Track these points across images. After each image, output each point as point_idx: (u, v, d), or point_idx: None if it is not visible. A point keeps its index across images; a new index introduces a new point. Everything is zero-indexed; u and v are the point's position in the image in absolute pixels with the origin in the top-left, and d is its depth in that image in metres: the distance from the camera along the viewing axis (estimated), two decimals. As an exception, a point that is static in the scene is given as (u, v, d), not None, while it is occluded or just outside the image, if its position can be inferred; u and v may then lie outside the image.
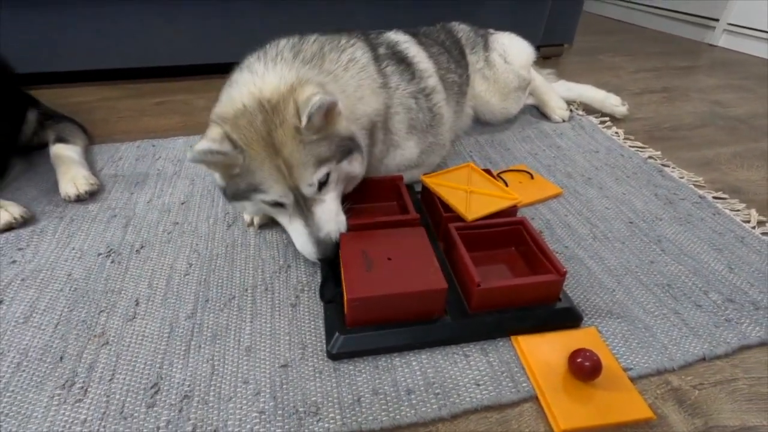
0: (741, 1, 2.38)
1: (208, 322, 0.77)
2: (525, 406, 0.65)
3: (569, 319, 0.76)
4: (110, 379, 0.67)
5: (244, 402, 0.64)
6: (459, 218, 0.86)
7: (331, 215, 0.81)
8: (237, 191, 0.80)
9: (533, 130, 1.47)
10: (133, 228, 0.99)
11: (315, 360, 0.70)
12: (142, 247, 0.94)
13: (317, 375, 0.68)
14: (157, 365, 0.69)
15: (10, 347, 0.72)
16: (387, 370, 0.69)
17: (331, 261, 0.81)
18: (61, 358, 0.70)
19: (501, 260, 0.84)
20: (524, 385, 0.67)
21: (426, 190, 0.99)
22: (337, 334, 0.71)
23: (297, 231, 0.81)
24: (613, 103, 1.57)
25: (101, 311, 0.79)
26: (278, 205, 0.80)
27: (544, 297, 0.75)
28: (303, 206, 0.79)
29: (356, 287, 0.70)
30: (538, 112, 1.60)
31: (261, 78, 0.80)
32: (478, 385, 0.67)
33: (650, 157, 1.31)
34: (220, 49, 1.77)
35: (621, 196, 1.13)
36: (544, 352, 0.70)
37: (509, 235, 0.85)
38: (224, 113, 0.78)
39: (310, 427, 0.61)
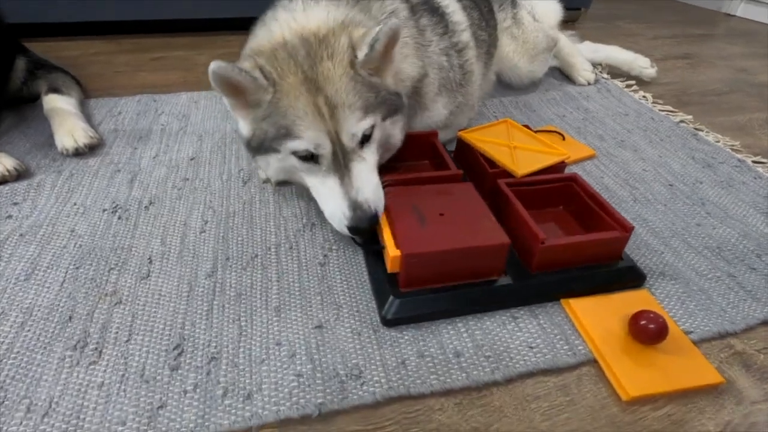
0: (764, -33, 2.29)
1: (230, 281, 0.70)
2: (583, 370, 0.60)
3: (632, 278, 0.70)
4: (127, 340, 0.61)
5: (279, 364, 0.58)
6: (505, 174, 0.80)
7: (371, 180, 0.70)
8: (264, 140, 0.71)
9: (558, 93, 1.39)
10: (139, 184, 0.91)
11: (351, 321, 0.64)
12: (150, 203, 0.86)
13: (355, 337, 0.62)
14: (178, 326, 0.63)
15: (12, 306, 0.65)
16: (431, 332, 0.63)
17: (367, 237, 0.71)
18: (70, 317, 0.63)
19: (550, 219, 0.78)
20: (581, 348, 0.62)
21: (463, 147, 0.92)
22: (391, 298, 0.64)
23: (329, 191, 0.70)
24: (641, 65, 1.49)
25: (111, 269, 0.71)
26: (310, 159, 0.69)
27: (607, 255, 0.70)
28: (341, 161, 0.68)
29: (412, 242, 0.63)
30: (560, 74, 1.52)
31: (304, 14, 0.72)
32: (531, 347, 0.62)
33: (682, 121, 1.25)
34: (224, 3, 1.65)
35: (657, 159, 1.07)
36: (598, 315, 0.65)
37: (559, 193, 0.79)
38: (260, 46, 0.70)
39: (354, 390, 0.56)
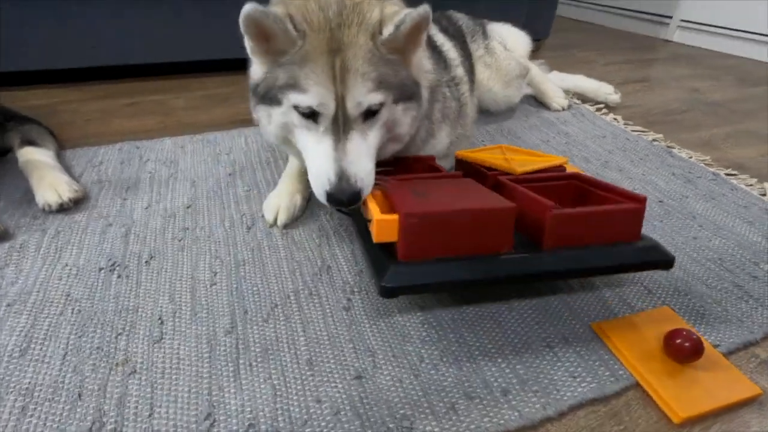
0: (693, -2, 2.55)
1: (253, 336, 0.66)
2: (629, 395, 0.60)
3: (658, 258, 0.65)
4: (149, 415, 0.55)
5: (324, 424, 0.54)
6: (505, 175, 0.79)
7: (366, 157, 0.70)
8: (272, 87, 0.70)
9: (537, 119, 1.46)
10: (135, 237, 0.85)
11: (389, 367, 0.62)
12: (151, 257, 0.81)
13: (398, 384, 0.59)
14: (204, 392, 0.58)
15: (8, 388, 0.57)
16: (473, 371, 0.61)
17: (349, 207, 0.68)
18: (80, 395, 0.57)
19: None
20: (621, 373, 0.62)
21: (461, 165, 0.93)
22: (391, 266, 0.59)
23: (321, 152, 0.69)
24: (606, 91, 1.59)
25: (118, 334, 0.65)
26: (310, 117, 0.69)
27: (626, 232, 0.66)
28: (340, 126, 0.68)
29: (411, 206, 0.59)
30: (536, 101, 1.59)
31: None
32: (574, 377, 0.61)
33: (654, 140, 1.34)
34: (198, 45, 1.64)
35: (642, 177, 1.13)
36: (630, 336, 0.66)
37: (562, 191, 0.77)
38: None
39: (408, 444, 0.52)
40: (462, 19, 1.41)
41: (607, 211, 0.66)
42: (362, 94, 0.67)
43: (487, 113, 1.44)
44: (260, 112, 0.77)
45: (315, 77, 0.66)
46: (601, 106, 1.57)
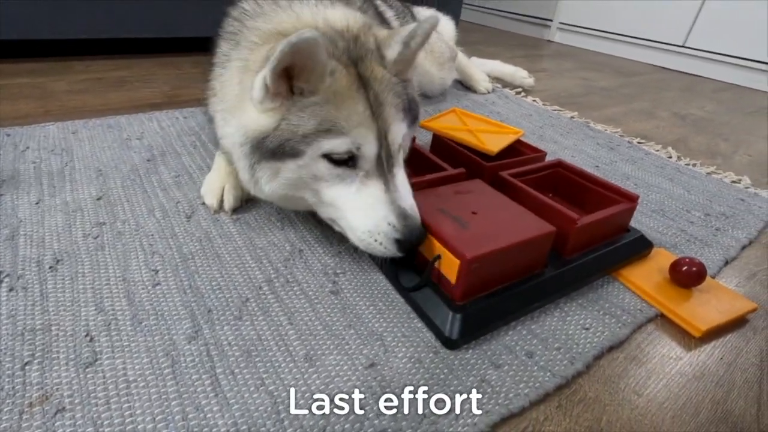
0: (568, 2, 2.88)
1: (226, 338, 0.52)
2: (638, 339, 0.60)
3: (645, 246, 0.73)
4: (100, 463, 0.39)
5: (348, 426, 0.44)
6: (500, 168, 0.77)
7: (409, 188, 0.61)
8: (289, 138, 0.56)
9: (468, 101, 1.49)
10: (26, 239, 0.64)
11: (404, 349, 0.53)
12: (57, 261, 0.60)
13: (418, 365, 0.51)
14: (177, 416, 0.43)
15: None
16: (492, 339, 0.56)
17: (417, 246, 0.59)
18: (-24, 457, 0.38)
19: None
20: (624, 318, 0.62)
21: (439, 144, 0.89)
22: (450, 314, 0.54)
23: (371, 199, 0.58)
24: (522, 75, 1.70)
25: (25, 364, 0.46)
26: (345, 163, 0.57)
27: (620, 228, 0.72)
28: (384, 165, 0.58)
29: (468, 246, 0.54)
30: (462, 86, 1.63)
31: (322, 8, 0.63)
32: (587, 329, 0.59)
33: (572, 117, 1.45)
34: (82, 22, 1.35)
35: (574, 147, 1.20)
36: (641, 273, 0.69)
37: (549, 179, 0.80)
38: (294, 29, 0.56)
39: (452, 428, 0.45)
40: (391, 0, 1.37)
41: (614, 214, 0.69)
42: (400, 126, 0.60)
43: (422, 97, 1.42)
44: (261, 172, 0.60)
45: (356, 118, 0.55)
46: (519, 89, 1.67)
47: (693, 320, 0.60)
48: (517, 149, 0.89)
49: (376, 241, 0.57)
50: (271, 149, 0.58)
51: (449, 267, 0.55)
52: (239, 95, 0.61)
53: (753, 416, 0.50)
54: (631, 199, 0.70)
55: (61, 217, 0.69)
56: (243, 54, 0.64)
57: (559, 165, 0.81)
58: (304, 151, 0.56)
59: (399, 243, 0.57)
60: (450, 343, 0.53)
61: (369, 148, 0.57)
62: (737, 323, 0.64)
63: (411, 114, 0.64)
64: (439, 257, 0.57)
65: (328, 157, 0.57)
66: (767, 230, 0.90)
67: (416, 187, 0.66)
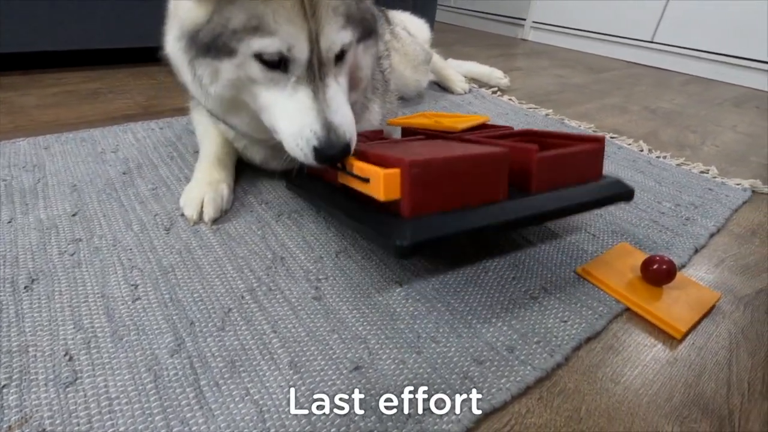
0: (540, 1, 2.94)
1: (210, 350, 0.52)
2: (613, 328, 0.62)
3: (623, 190, 0.70)
4: (84, 483, 0.38)
5: (334, 430, 0.44)
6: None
7: (344, 104, 0.61)
8: (221, 34, 0.55)
9: (446, 102, 1.51)
10: (0, 260, 0.62)
11: (388, 350, 0.54)
12: (32, 281, 0.59)
13: (402, 365, 0.52)
14: (161, 431, 0.43)
15: None
16: (473, 336, 0.57)
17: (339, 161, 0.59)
18: (-46, 485, 0.37)
19: None
20: (601, 309, 0.64)
21: (408, 134, 0.89)
22: (402, 222, 0.53)
23: (298, 105, 0.58)
24: (497, 75, 1.73)
25: (3, 387, 0.46)
26: (277, 66, 0.56)
27: (593, 170, 0.69)
28: (316, 72, 0.57)
29: (409, 156, 0.53)
30: (439, 87, 1.65)
31: None
32: (565, 321, 0.61)
33: (547, 114, 1.48)
34: (50, 33, 1.32)
35: (550, 144, 1.23)
36: (610, 272, 0.69)
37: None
38: None
39: (436, 426, 0.46)
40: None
41: (579, 150, 0.68)
42: (337, 31, 0.57)
43: (399, 100, 1.43)
44: (200, 69, 0.60)
45: (285, 14, 0.53)
46: (495, 89, 1.69)
47: (672, 321, 0.61)
48: (487, 127, 0.89)
49: (298, 146, 0.59)
50: (205, 43, 0.57)
51: (398, 182, 0.53)
52: None
53: (723, 397, 0.53)
54: (597, 141, 0.70)
55: (35, 235, 0.68)
56: None
57: (529, 132, 0.80)
58: (237, 49, 0.56)
59: (317, 151, 0.58)
60: (401, 251, 0.51)
61: (299, 51, 0.56)
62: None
63: (362, 25, 0.62)
64: (368, 180, 0.55)
65: (260, 58, 0.56)
66: (734, 218, 0.94)
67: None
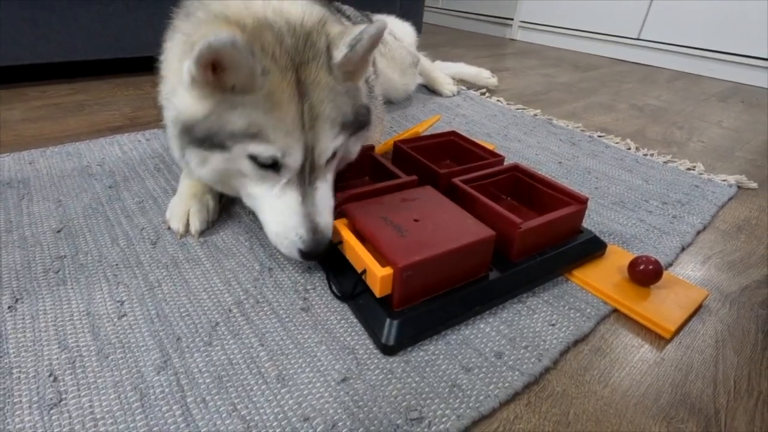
0: (528, 1, 2.96)
1: (197, 366, 0.51)
2: (601, 330, 0.62)
3: (597, 247, 0.74)
4: (68, 507, 0.38)
5: (322, 443, 0.44)
6: (456, 174, 0.78)
7: (330, 203, 0.63)
8: (217, 132, 0.56)
9: (434, 105, 1.51)
10: (-18, 279, 0.62)
11: (376, 360, 0.54)
12: (16, 300, 0.59)
13: (390, 376, 0.52)
14: (147, 451, 0.43)
15: None
16: (461, 343, 0.57)
17: (323, 257, 0.63)
18: None
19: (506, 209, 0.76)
20: (588, 311, 0.64)
21: (399, 154, 0.90)
22: (387, 320, 0.56)
23: (285, 208, 0.60)
24: (485, 76, 1.73)
25: (-14, 411, 0.45)
26: (270, 167, 0.58)
27: (571, 230, 0.72)
28: (306, 177, 0.60)
29: (402, 254, 0.56)
30: (427, 90, 1.65)
31: (275, 1, 0.60)
32: (553, 325, 0.61)
33: (535, 114, 1.49)
34: (33, 46, 1.31)
35: (538, 144, 1.24)
36: (597, 274, 0.69)
37: (505, 184, 0.81)
38: (239, 16, 0.55)
39: (425, 436, 0.46)
40: (349, 9, 1.38)
41: (561, 216, 0.69)
42: (331, 141, 0.59)
43: (388, 103, 1.43)
44: (189, 155, 0.61)
45: (284, 128, 0.55)
46: (483, 90, 1.70)
47: (660, 321, 0.61)
48: (476, 153, 0.91)
49: (282, 244, 0.61)
50: (198, 138, 0.58)
51: (380, 279, 0.55)
52: (177, 70, 0.59)
53: (710, 396, 0.53)
54: (581, 201, 0.71)
55: (19, 253, 0.67)
56: (188, 28, 0.62)
57: (515, 169, 0.82)
58: (231, 147, 0.57)
59: (302, 253, 0.60)
60: (387, 349, 0.54)
61: (293, 160, 0.57)
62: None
63: (356, 124, 0.64)
64: (364, 272, 0.58)
65: (253, 159, 0.57)
66: (720, 214, 0.95)
67: (364, 196, 0.69)
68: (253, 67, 0.52)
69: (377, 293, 0.57)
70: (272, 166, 0.58)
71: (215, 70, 0.53)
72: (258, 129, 0.55)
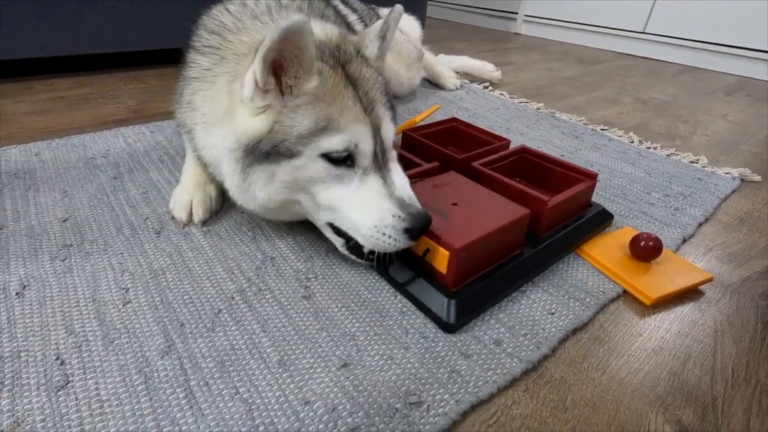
0: (532, -4, 2.94)
1: (200, 351, 0.52)
2: (600, 319, 0.62)
3: (607, 218, 0.79)
4: (75, 484, 0.39)
5: (322, 427, 0.45)
6: (472, 158, 0.81)
7: (407, 179, 0.64)
8: (284, 140, 0.57)
9: (437, 98, 1.51)
10: (-9, 266, 0.63)
11: (376, 346, 0.55)
12: (24, 287, 0.60)
13: (390, 362, 0.53)
14: (152, 431, 0.44)
15: None
16: (461, 330, 0.58)
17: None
18: (-53, 489, 0.38)
19: None
20: (588, 300, 0.64)
21: (408, 141, 0.93)
22: (446, 300, 0.58)
23: (371, 195, 0.59)
24: (489, 69, 1.73)
25: (-5, 392, 0.46)
26: (343, 162, 0.59)
27: (584, 204, 0.77)
28: (380, 160, 0.61)
29: (454, 237, 0.58)
30: (430, 84, 1.65)
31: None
32: (552, 314, 0.62)
33: (538, 108, 1.48)
34: (38, 40, 1.32)
35: (541, 137, 1.23)
36: (603, 250, 0.73)
37: (515, 166, 0.84)
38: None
39: (423, 420, 0.46)
40: (356, 3, 1.38)
41: (578, 192, 0.74)
42: (391, 122, 0.63)
43: (393, 97, 1.43)
44: (254, 175, 0.60)
45: (351, 113, 0.57)
46: (486, 84, 1.70)
47: (645, 290, 0.65)
48: (481, 138, 0.93)
49: (384, 234, 0.58)
50: (264, 152, 0.58)
51: (439, 258, 0.59)
52: (230, 105, 0.62)
53: (707, 384, 0.53)
54: (591, 177, 0.76)
55: (27, 241, 0.68)
56: (230, 67, 0.65)
57: (524, 151, 0.85)
58: (302, 151, 0.57)
59: (408, 232, 0.58)
60: (449, 327, 0.57)
61: (366, 145, 0.59)
62: (694, 296, 0.67)
63: (393, 110, 0.67)
64: (428, 251, 0.60)
65: (327, 156, 0.58)
66: (722, 206, 0.95)
67: None
68: (314, 55, 0.55)
69: (444, 270, 0.59)
70: (345, 162, 0.59)
71: (275, 74, 0.56)
72: (327, 121, 0.56)
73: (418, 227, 0.58)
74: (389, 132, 0.63)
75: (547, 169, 0.81)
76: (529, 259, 0.67)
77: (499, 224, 0.61)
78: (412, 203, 0.59)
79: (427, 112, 1.13)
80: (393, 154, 0.65)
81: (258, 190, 0.61)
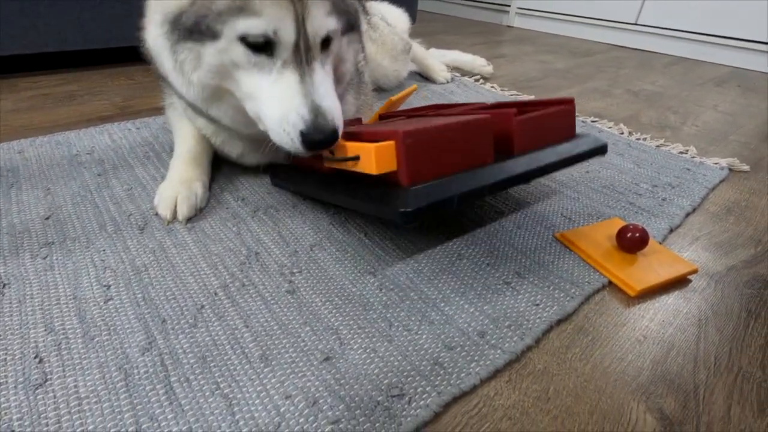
0: (524, -12, 2.93)
1: (181, 347, 0.52)
2: (585, 309, 0.62)
3: (597, 145, 0.73)
4: (51, 481, 0.39)
5: (302, 420, 0.45)
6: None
7: (332, 90, 0.61)
8: (205, 16, 0.55)
9: (427, 92, 1.50)
10: (-30, 265, 0.62)
11: (359, 340, 0.54)
12: (3, 285, 0.59)
13: (373, 355, 0.53)
14: (131, 428, 0.43)
15: None
16: (445, 323, 0.58)
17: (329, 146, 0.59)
18: None
19: None
20: (573, 291, 0.64)
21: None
22: (401, 191, 0.54)
23: (284, 89, 0.57)
24: (480, 63, 1.72)
25: (-28, 392, 0.46)
26: (263, 50, 0.56)
27: (567, 130, 0.73)
28: (302, 56, 0.58)
29: (404, 130, 0.54)
30: (421, 77, 1.64)
31: None
32: (537, 305, 0.62)
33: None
34: (23, 36, 1.30)
35: (530, 130, 1.23)
36: (588, 240, 0.73)
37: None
38: None
39: (404, 412, 0.46)
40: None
41: (553, 112, 0.70)
42: (323, 17, 0.58)
43: (380, 90, 1.43)
44: (182, 54, 0.60)
45: None
46: (477, 77, 1.69)
47: (630, 281, 0.65)
48: (461, 105, 0.93)
49: (284, 131, 0.58)
50: (188, 27, 0.57)
51: (386, 156, 0.54)
52: None
53: (689, 372, 0.54)
54: (568, 102, 0.73)
55: (8, 239, 0.68)
56: None
57: (503, 104, 0.82)
58: (221, 31, 0.56)
59: (304, 137, 0.57)
60: (404, 217, 0.52)
61: (285, 33, 0.56)
62: (679, 285, 0.67)
63: (346, 16, 0.63)
64: (358, 157, 0.56)
65: (245, 41, 0.56)
66: (710, 196, 0.95)
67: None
68: None
69: (374, 168, 0.54)
70: (265, 50, 0.57)
71: None
72: (243, 1, 0.54)
73: (315, 137, 0.56)
74: (318, 26, 0.58)
75: (524, 108, 0.76)
76: (499, 167, 0.62)
77: (452, 122, 0.58)
78: (326, 113, 0.57)
79: (405, 93, 1.09)
80: (323, 56, 0.61)
81: (190, 73, 0.61)
